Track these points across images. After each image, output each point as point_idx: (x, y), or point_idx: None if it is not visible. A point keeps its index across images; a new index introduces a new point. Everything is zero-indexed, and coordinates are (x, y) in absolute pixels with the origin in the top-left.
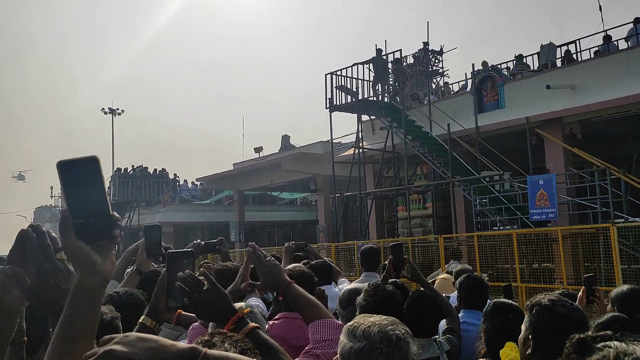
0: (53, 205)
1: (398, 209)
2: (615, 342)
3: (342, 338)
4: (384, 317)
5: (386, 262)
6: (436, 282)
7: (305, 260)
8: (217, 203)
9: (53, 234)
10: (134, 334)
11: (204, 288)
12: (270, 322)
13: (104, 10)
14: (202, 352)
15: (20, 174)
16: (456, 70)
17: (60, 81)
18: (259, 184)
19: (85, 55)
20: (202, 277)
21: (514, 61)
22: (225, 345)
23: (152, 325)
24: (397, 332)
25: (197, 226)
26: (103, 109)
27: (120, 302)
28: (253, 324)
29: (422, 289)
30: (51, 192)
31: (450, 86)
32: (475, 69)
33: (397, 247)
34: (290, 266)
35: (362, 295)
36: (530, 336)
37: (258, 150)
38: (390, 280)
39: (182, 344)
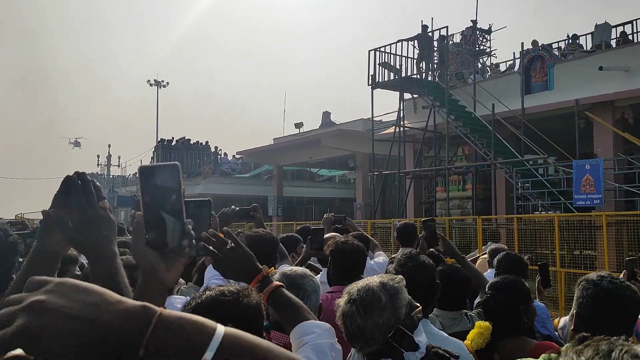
0: (99, 173)
1: (437, 190)
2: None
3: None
4: (377, 276)
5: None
6: (478, 261)
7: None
8: (256, 177)
9: (97, 183)
10: (71, 282)
11: (227, 247)
12: (329, 296)
13: None
14: (157, 312)
15: (76, 141)
16: (504, 50)
17: (113, 54)
18: (298, 160)
19: (136, 30)
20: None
21: (567, 41)
22: None
23: None
24: (385, 281)
25: (236, 199)
26: (149, 80)
27: None
28: (277, 282)
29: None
30: (97, 160)
31: (493, 65)
32: (525, 48)
33: (429, 222)
34: (329, 235)
35: (394, 264)
36: (574, 311)
37: (298, 125)
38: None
39: (132, 301)
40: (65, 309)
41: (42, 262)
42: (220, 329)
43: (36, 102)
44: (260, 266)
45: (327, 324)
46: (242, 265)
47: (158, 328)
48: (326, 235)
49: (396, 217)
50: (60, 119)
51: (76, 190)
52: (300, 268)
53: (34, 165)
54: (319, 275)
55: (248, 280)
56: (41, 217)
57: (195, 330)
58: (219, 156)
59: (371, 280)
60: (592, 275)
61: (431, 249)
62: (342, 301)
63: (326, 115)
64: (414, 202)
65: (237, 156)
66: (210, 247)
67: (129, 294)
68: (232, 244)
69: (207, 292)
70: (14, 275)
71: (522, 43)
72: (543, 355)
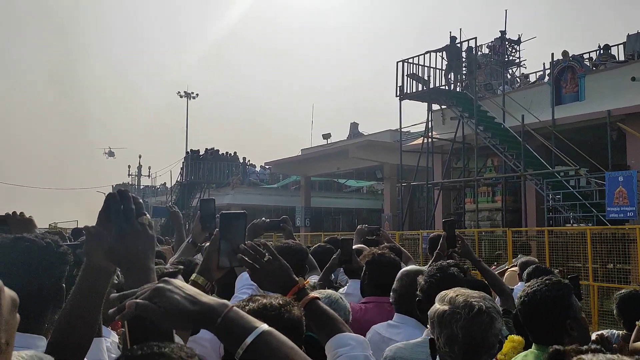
0: (129, 183)
1: (466, 201)
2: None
3: (435, 303)
4: (478, 292)
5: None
6: (506, 273)
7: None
8: (284, 187)
9: (140, 200)
10: (176, 281)
11: (265, 259)
12: (363, 307)
13: (181, 5)
14: (231, 305)
15: (110, 151)
16: (534, 61)
17: (143, 65)
18: (326, 171)
19: (165, 40)
20: (263, 248)
21: (598, 51)
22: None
23: (204, 283)
24: (482, 304)
25: (264, 209)
26: (179, 92)
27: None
28: (313, 294)
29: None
30: (129, 170)
31: (523, 76)
32: (555, 59)
33: (449, 223)
34: (357, 246)
35: (424, 275)
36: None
37: (326, 136)
38: (451, 262)
39: (216, 298)
40: (177, 289)
41: (92, 277)
42: (264, 326)
43: (70, 110)
44: (297, 278)
45: (362, 336)
46: (279, 276)
47: (228, 314)
48: (355, 247)
49: (424, 228)
50: (94, 128)
51: (115, 205)
52: (334, 293)
53: (68, 174)
54: (344, 288)
55: (284, 292)
56: (74, 226)
57: (248, 321)
58: (247, 167)
59: (469, 291)
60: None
61: (451, 250)
62: (462, 312)
63: (354, 126)
64: (442, 214)
65: (265, 167)
66: (248, 259)
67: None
68: (269, 256)
69: (251, 304)
70: (63, 285)
71: (552, 54)
72: None
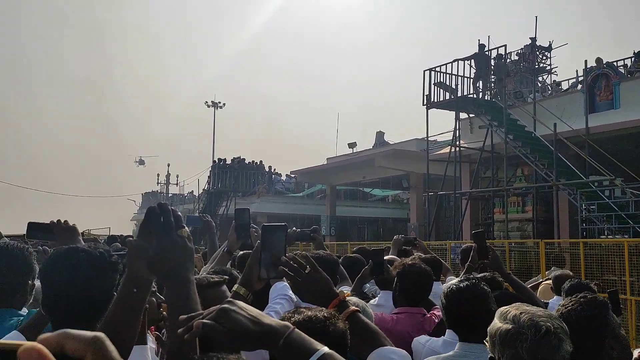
0: (159, 191)
1: (495, 211)
2: None
3: (495, 319)
4: (541, 309)
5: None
6: (540, 287)
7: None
8: (309, 196)
9: (179, 212)
10: (240, 302)
11: (306, 271)
12: (394, 317)
13: (209, 11)
14: (292, 328)
15: (141, 159)
16: (566, 68)
17: (172, 74)
18: (352, 180)
19: (194, 50)
20: (304, 261)
21: (632, 58)
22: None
23: (245, 294)
24: (549, 324)
25: (289, 218)
26: (206, 102)
27: None
28: (354, 307)
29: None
30: (157, 179)
31: (554, 83)
32: (588, 66)
33: (479, 235)
34: (388, 257)
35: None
36: None
37: (352, 145)
38: (480, 275)
39: (279, 320)
40: (241, 310)
41: (133, 287)
42: (325, 349)
43: (102, 118)
44: (337, 290)
45: (404, 350)
46: (320, 289)
47: (290, 335)
48: (386, 257)
49: (452, 238)
50: (125, 136)
51: (156, 219)
52: (360, 300)
53: (100, 181)
54: (375, 299)
55: (325, 304)
56: (107, 233)
57: (309, 343)
58: (272, 175)
59: (533, 308)
60: None
61: (482, 262)
62: (527, 332)
63: (380, 135)
64: (470, 224)
65: (291, 175)
66: (289, 271)
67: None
68: (310, 268)
69: (296, 316)
70: (115, 293)
71: (586, 61)
72: None
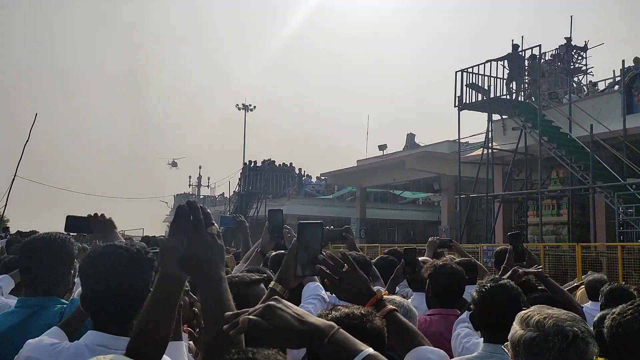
0: (190, 193)
1: (528, 214)
2: None
3: (514, 325)
4: (564, 311)
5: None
6: (579, 291)
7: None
8: (339, 198)
9: (207, 210)
10: (285, 301)
11: (343, 269)
12: (428, 319)
13: (241, 16)
14: (337, 327)
15: (174, 161)
16: (602, 68)
17: (204, 77)
18: (382, 182)
19: (225, 54)
20: (341, 259)
21: None
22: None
23: (282, 291)
24: (575, 329)
25: (319, 220)
26: (237, 105)
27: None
28: (391, 306)
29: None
30: (189, 181)
31: (590, 84)
32: (626, 66)
33: (515, 237)
34: (422, 258)
35: (477, 287)
36: None
37: (382, 147)
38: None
39: (323, 320)
40: (287, 307)
41: (166, 285)
42: (369, 349)
43: (135, 120)
44: (375, 289)
45: (442, 350)
46: (357, 287)
47: (334, 335)
48: (420, 259)
49: (483, 241)
50: (157, 138)
51: (185, 217)
52: (405, 300)
53: (133, 183)
54: (408, 301)
55: (362, 303)
56: (140, 233)
57: (354, 344)
58: (302, 178)
59: (556, 311)
60: None
61: (517, 266)
62: (554, 340)
63: (410, 137)
64: (503, 227)
65: (321, 178)
66: (327, 270)
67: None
68: (348, 267)
69: (333, 312)
70: (151, 289)
71: (623, 61)
72: None
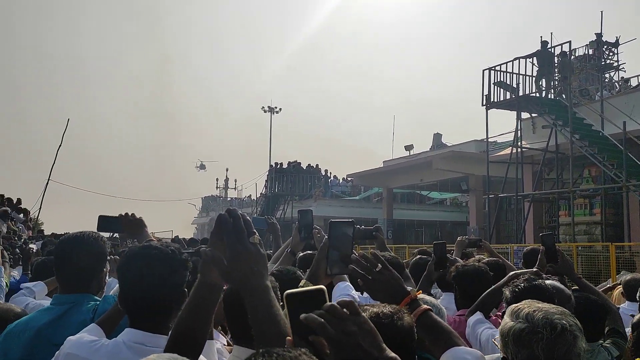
0: (217, 195)
1: (560, 214)
2: None
3: (505, 317)
4: (555, 306)
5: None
6: (615, 292)
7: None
8: (366, 200)
9: (247, 217)
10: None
11: (376, 269)
12: (457, 319)
13: (261, 18)
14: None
15: (202, 164)
16: (635, 64)
17: (230, 79)
18: (409, 182)
19: (250, 54)
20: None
21: None
22: None
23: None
24: (564, 322)
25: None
26: (263, 107)
27: (282, 277)
28: (425, 306)
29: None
30: (216, 183)
31: (622, 80)
32: None
33: (548, 237)
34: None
35: (508, 287)
36: None
37: (408, 148)
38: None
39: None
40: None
41: (206, 292)
42: None
43: (163, 123)
44: (408, 289)
45: (478, 351)
46: (391, 287)
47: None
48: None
49: (513, 242)
50: (185, 141)
51: (227, 227)
52: (434, 300)
53: (162, 185)
54: (439, 300)
55: (396, 302)
56: (169, 236)
57: None
58: (329, 179)
59: (545, 305)
60: None
61: (549, 266)
62: (543, 331)
63: (437, 137)
64: (533, 227)
65: (347, 179)
66: (360, 270)
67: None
68: (381, 266)
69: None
70: (185, 289)
71: None
72: None
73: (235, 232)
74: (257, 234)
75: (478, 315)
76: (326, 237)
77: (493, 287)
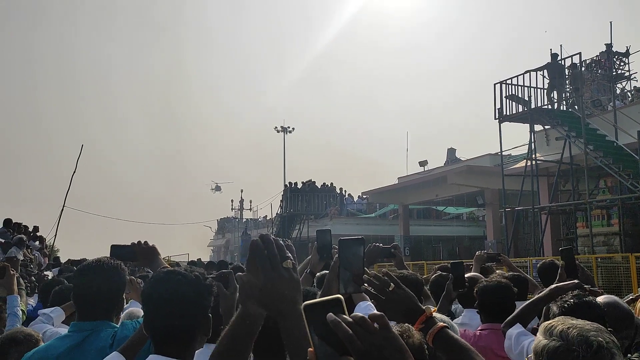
0: (233, 217)
1: (577, 226)
2: None
3: (538, 335)
4: (589, 322)
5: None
6: (638, 305)
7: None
8: (382, 217)
9: (281, 242)
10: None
11: (390, 288)
12: (477, 333)
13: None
14: None
15: (217, 185)
16: None
17: (239, 103)
18: (424, 198)
19: (262, 72)
20: (386, 278)
21: None
22: None
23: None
24: (600, 339)
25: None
26: (276, 127)
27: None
28: (442, 323)
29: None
30: (231, 205)
31: (635, 90)
32: None
33: (568, 251)
34: (469, 275)
35: (555, 303)
36: None
37: (423, 164)
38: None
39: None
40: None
41: (248, 322)
42: None
43: (175, 144)
44: (423, 307)
45: None
46: (405, 306)
47: None
48: (467, 275)
49: (532, 255)
50: (198, 162)
51: (260, 253)
52: (446, 317)
53: (177, 209)
54: (459, 318)
55: (411, 322)
56: (186, 259)
57: None
58: (344, 197)
59: (580, 321)
60: None
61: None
62: (579, 349)
63: (451, 152)
64: (551, 239)
65: (362, 196)
66: (373, 289)
67: None
68: (394, 286)
69: None
70: (210, 314)
71: None
72: None
73: (269, 258)
74: (291, 258)
75: (519, 327)
76: (336, 256)
77: (532, 299)
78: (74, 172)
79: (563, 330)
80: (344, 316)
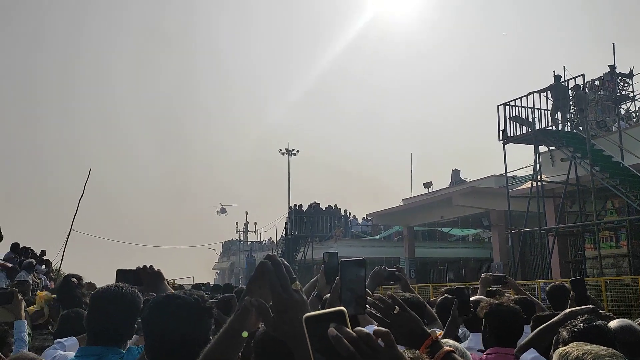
0: (237, 239)
1: (585, 247)
2: None
3: None
4: (603, 347)
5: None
6: None
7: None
8: (387, 239)
9: (286, 262)
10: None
11: (394, 312)
12: (483, 356)
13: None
14: None
15: (222, 208)
16: None
17: (243, 125)
18: (429, 220)
19: (266, 94)
20: (390, 301)
21: None
22: None
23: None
24: None
25: (367, 261)
26: (280, 150)
27: None
28: (448, 347)
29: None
30: (236, 227)
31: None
32: None
33: (578, 282)
34: (475, 297)
35: (565, 327)
36: None
37: (427, 185)
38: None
39: None
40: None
41: (234, 338)
42: None
43: (178, 166)
44: (428, 330)
45: None
46: (411, 330)
47: None
48: (473, 298)
49: (539, 277)
50: (202, 184)
51: (270, 275)
52: (457, 344)
53: (181, 231)
54: (465, 342)
55: (417, 346)
56: (190, 282)
57: None
58: (349, 219)
59: (594, 347)
60: None
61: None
62: None
63: (455, 173)
64: (559, 261)
65: (367, 218)
66: (377, 313)
67: None
68: (399, 309)
69: None
70: (210, 337)
71: None
72: None
73: (280, 280)
74: (297, 279)
75: (533, 352)
76: (338, 277)
77: (547, 323)
78: (82, 195)
79: (578, 357)
80: (347, 330)
